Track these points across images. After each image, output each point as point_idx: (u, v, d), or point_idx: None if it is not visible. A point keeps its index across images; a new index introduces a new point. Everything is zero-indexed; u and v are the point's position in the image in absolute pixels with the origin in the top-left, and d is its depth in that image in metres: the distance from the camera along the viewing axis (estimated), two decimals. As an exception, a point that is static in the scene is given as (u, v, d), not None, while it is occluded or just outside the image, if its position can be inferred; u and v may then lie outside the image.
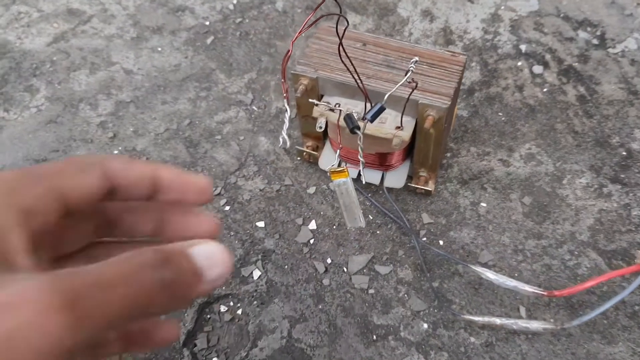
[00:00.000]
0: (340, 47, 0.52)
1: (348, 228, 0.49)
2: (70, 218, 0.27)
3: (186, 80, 0.77)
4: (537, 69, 0.77)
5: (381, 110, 0.51)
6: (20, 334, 0.19)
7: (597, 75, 0.76)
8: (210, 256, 0.25)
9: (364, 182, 0.48)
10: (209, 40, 0.82)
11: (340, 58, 0.53)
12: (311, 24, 0.47)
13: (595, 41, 0.79)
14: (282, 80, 0.40)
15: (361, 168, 0.49)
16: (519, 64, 0.78)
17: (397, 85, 0.51)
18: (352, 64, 0.54)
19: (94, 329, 0.21)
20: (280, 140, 0.39)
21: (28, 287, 0.20)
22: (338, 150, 0.50)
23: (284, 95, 0.42)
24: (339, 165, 0.65)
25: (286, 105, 0.42)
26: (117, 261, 0.22)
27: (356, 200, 0.51)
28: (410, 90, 0.55)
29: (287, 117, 0.42)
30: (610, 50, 0.78)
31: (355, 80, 0.55)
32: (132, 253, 0.23)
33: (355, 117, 0.54)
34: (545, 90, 0.75)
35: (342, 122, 0.57)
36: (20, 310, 0.19)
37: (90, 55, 0.80)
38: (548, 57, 0.78)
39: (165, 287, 0.23)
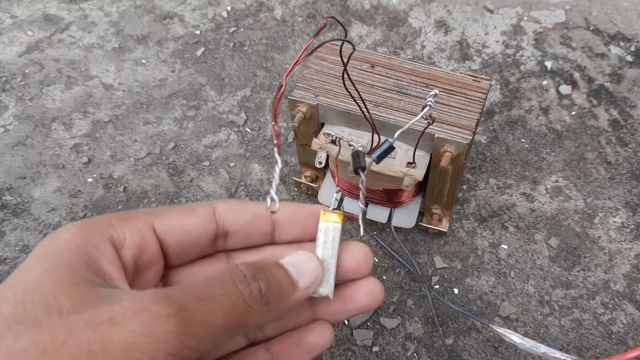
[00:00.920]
0: (345, 73, 0.44)
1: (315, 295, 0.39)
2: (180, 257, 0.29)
3: (172, 97, 0.69)
4: (565, 89, 0.69)
5: (390, 150, 0.43)
6: (133, 343, 0.20)
7: (632, 97, 0.68)
8: (301, 264, 0.28)
9: (361, 234, 0.40)
10: (199, 52, 0.74)
11: (344, 84, 0.45)
12: (310, 53, 0.39)
13: (629, 57, 0.71)
14: (273, 122, 0.32)
15: (360, 218, 0.41)
16: (544, 83, 0.70)
17: (410, 123, 0.43)
18: (357, 91, 0.46)
19: (200, 337, 0.22)
20: (268, 201, 0.31)
21: (137, 300, 0.22)
22: (334, 194, 0.42)
23: (275, 142, 0.34)
24: (339, 205, 0.58)
25: (276, 155, 0.34)
26: (216, 277, 0.24)
27: (336, 257, 0.41)
28: (426, 124, 0.47)
29: (277, 172, 0.34)
30: (645, 68, 0.70)
31: (361, 109, 0.47)
32: (227, 269, 0.25)
33: (364, 156, 0.46)
34: (573, 113, 0.67)
35: (343, 157, 0.49)
36: (132, 321, 0.21)
37: (66, 68, 0.72)
38: (577, 75, 0.70)
39: (262, 297, 0.25)
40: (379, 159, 0.45)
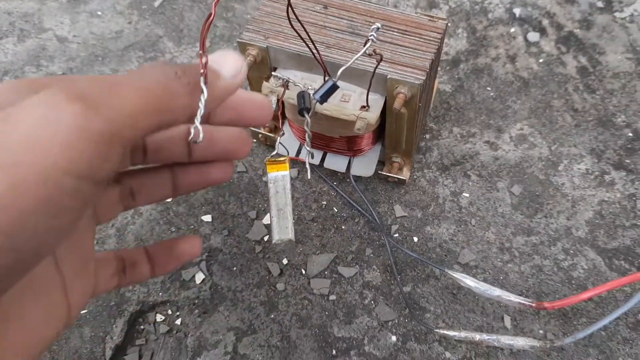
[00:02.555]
0: (289, 9, 0.42)
1: (273, 242, 0.39)
2: None
3: (128, 49, 0.67)
4: (533, 36, 0.67)
5: (334, 88, 0.41)
6: (37, 131, 0.18)
7: (602, 43, 0.66)
8: (221, 57, 0.27)
9: (308, 177, 0.39)
10: (156, 3, 0.71)
11: (290, 23, 0.43)
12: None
13: (600, 3, 0.69)
14: (200, 52, 0.30)
15: (307, 161, 0.39)
16: (512, 30, 0.68)
17: (353, 60, 0.41)
18: (306, 32, 0.44)
19: (117, 121, 0.20)
20: (192, 130, 0.30)
21: (39, 95, 0.19)
22: (279, 137, 0.41)
23: (202, 70, 0.32)
24: (283, 154, 0.56)
25: (202, 85, 0.32)
26: (129, 71, 0.22)
27: (291, 203, 0.41)
28: (376, 63, 0.45)
29: (203, 101, 0.32)
30: (617, 14, 0.68)
31: (311, 50, 0.46)
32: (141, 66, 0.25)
33: (311, 96, 0.44)
34: (541, 61, 0.65)
35: (289, 99, 0.48)
36: (31, 114, 0.19)
37: (19, 21, 0.70)
38: (545, 22, 0.68)
39: (180, 77, 0.24)
40: (322, 99, 0.43)
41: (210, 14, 0.37)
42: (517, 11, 0.69)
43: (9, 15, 0.70)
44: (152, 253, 0.35)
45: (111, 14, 0.70)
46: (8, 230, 0.18)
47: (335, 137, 0.54)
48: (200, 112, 0.34)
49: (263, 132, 0.58)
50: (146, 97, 0.22)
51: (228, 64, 0.27)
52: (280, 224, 0.41)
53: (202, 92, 0.35)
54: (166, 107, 0.23)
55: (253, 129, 0.58)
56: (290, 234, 0.41)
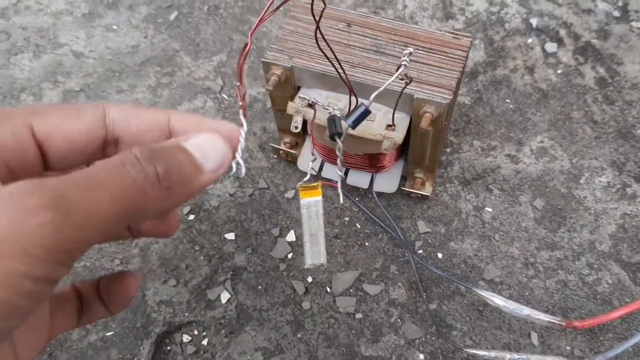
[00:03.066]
0: (317, 31, 0.42)
1: (306, 266, 0.39)
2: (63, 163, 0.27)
3: (145, 64, 0.67)
4: (550, 46, 0.67)
5: (366, 114, 0.41)
6: (1, 237, 0.18)
7: (619, 53, 0.66)
8: (206, 146, 0.25)
9: (341, 201, 0.39)
10: (172, 17, 0.71)
11: (317, 43, 0.43)
12: (276, 9, 0.37)
13: (616, 13, 0.69)
14: (238, 83, 0.30)
15: (339, 186, 0.39)
16: (530, 41, 0.67)
17: (385, 85, 0.41)
18: (331, 51, 0.44)
19: (85, 227, 0.20)
20: (234, 166, 0.30)
21: (4, 193, 0.19)
22: (310, 163, 0.40)
23: (240, 103, 0.33)
24: (317, 176, 0.56)
25: (242, 117, 0.32)
26: (103, 163, 0.22)
27: (323, 227, 0.41)
28: (404, 84, 0.45)
29: (243, 135, 0.32)
30: (634, 23, 0.68)
31: (337, 70, 0.45)
32: (118, 155, 0.22)
33: (341, 120, 0.44)
34: (559, 72, 0.65)
35: (319, 121, 0.48)
36: (1, 209, 0.18)
37: (34, 36, 0.69)
38: (563, 32, 0.68)
39: (160, 182, 0.23)
40: (354, 124, 0.43)
41: (246, 44, 0.37)
42: (534, 21, 0.69)
43: (24, 30, 0.70)
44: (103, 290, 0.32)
45: (127, 28, 0.70)
46: None
47: (358, 154, 0.54)
48: (242, 145, 0.34)
49: (284, 149, 0.58)
50: (122, 200, 0.21)
51: (214, 154, 0.26)
52: (313, 249, 0.41)
53: (242, 125, 0.34)
54: (140, 209, 0.22)
55: (273, 145, 0.58)
56: (322, 259, 0.41)
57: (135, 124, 0.28)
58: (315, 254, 0.41)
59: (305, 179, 0.42)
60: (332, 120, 0.43)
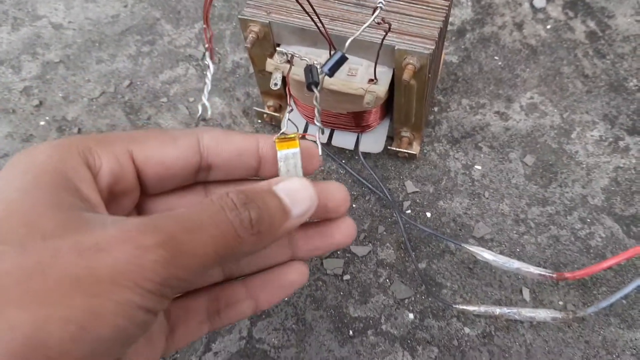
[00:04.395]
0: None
1: None
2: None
3: (126, 34, 0.66)
4: (539, 2, 0.65)
5: (342, 60, 0.40)
6: (120, 270, 0.20)
7: (610, 6, 0.64)
8: (295, 191, 0.27)
9: (319, 154, 0.37)
10: (152, -15, 0.69)
11: (295, -2, 0.41)
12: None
13: (607, -34, 0.67)
14: (205, 26, 0.29)
15: (317, 138, 0.38)
16: (518, -4, 0.66)
17: (362, 28, 0.40)
18: (310, 4, 0.42)
19: (188, 267, 0.22)
20: (199, 108, 0.29)
21: (124, 228, 0.21)
22: (287, 114, 0.39)
23: (206, 45, 0.31)
24: (298, 131, 0.55)
25: (208, 60, 0.31)
26: (204, 206, 0.24)
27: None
28: (383, 33, 0.44)
29: (209, 77, 0.31)
30: (625, -24, 0.66)
31: (315, 24, 0.44)
32: (216, 196, 0.24)
33: (319, 70, 0.43)
34: (548, 27, 0.64)
35: (296, 75, 0.46)
36: (119, 248, 0.20)
37: (12, 9, 0.68)
38: (552, -13, 0.66)
39: (252, 226, 0.24)
40: (331, 71, 0.42)
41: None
42: (522, -23, 0.67)
43: (1, 3, 0.69)
44: (251, 287, 0.33)
45: (106, -3, 0.69)
46: (84, 354, 0.20)
47: (342, 113, 0.53)
48: (207, 87, 0.33)
49: (268, 112, 0.57)
50: (219, 244, 0.23)
51: (302, 200, 0.27)
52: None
53: (208, 67, 0.33)
54: (234, 254, 0.24)
55: (256, 108, 0.57)
56: None
57: (228, 149, 0.29)
58: None
59: (281, 131, 0.41)
60: (309, 69, 0.42)
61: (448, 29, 0.64)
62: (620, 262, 0.45)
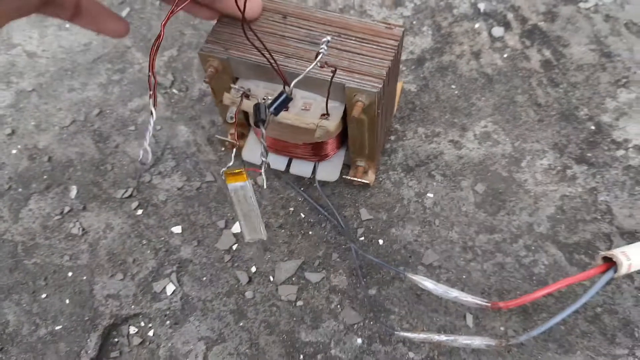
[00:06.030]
0: (244, 25, 0.43)
1: (246, 241, 0.42)
2: None
3: (97, 62, 0.68)
4: (497, 31, 0.67)
5: (286, 100, 0.42)
6: None
7: (566, 35, 0.66)
8: None
9: (264, 187, 0.40)
10: (124, 13, 0.71)
11: (245, 34, 0.44)
12: (186, 2, 0.38)
13: (564, -5, 0.69)
14: (149, 73, 0.31)
15: (262, 170, 0.41)
16: (477, 25, 0.68)
17: (305, 72, 0.42)
18: (261, 42, 0.45)
19: None
20: (140, 153, 0.31)
21: None
22: (234, 150, 0.42)
23: (150, 93, 0.34)
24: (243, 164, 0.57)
25: (152, 108, 0.34)
26: None
27: (256, 207, 0.43)
28: (331, 73, 0.46)
29: (152, 124, 0.33)
30: (581, 4, 0.68)
31: (269, 61, 0.46)
32: None
33: (265, 109, 0.45)
34: (505, 56, 0.66)
35: (246, 109, 0.49)
36: None
37: (-13, 37, 0.70)
38: (510, 16, 0.68)
39: None
40: (276, 111, 0.45)
41: (159, 35, 0.38)
42: (482, 6, 0.69)
43: (-22, 31, 0.71)
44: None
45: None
46: None
47: (299, 143, 0.55)
48: (149, 133, 0.35)
49: (230, 141, 0.59)
50: None
51: None
52: (249, 226, 0.44)
53: (151, 114, 0.36)
54: None
55: (218, 136, 0.59)
56: (261, 234, 0.44)
57: None
58: (252, 231, 0.44)
59: (228, 165, 0.44)
60: (257, 107, 0.45)
61: (408, 57, 0.66)
62: (553, 291, 0.47)
